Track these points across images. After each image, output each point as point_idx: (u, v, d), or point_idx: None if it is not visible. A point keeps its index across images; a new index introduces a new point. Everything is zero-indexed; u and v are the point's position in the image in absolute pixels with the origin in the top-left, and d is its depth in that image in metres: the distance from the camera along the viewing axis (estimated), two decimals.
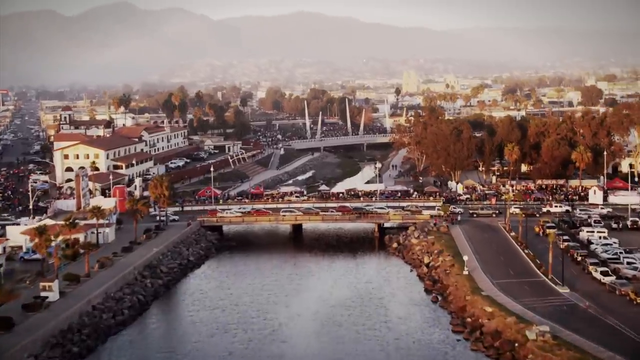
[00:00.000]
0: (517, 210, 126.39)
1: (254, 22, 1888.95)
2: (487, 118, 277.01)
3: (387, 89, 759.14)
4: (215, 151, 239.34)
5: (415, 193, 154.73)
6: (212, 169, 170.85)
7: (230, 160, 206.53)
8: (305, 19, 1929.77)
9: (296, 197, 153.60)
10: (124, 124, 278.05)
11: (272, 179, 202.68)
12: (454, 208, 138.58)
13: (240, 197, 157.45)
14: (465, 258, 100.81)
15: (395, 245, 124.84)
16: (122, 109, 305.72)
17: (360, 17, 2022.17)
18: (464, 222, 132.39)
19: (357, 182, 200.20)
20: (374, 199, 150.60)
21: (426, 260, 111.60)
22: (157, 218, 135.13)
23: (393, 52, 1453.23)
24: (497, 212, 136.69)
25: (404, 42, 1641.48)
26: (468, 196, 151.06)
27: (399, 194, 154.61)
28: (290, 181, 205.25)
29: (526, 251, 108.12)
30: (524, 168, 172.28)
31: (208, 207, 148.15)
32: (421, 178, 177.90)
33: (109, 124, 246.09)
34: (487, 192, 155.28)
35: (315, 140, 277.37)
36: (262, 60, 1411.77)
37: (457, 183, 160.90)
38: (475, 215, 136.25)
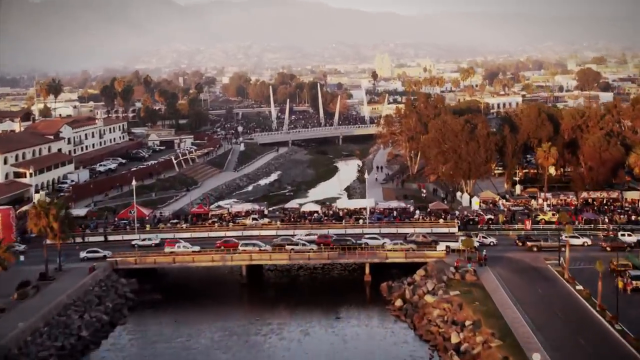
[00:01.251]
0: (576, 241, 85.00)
1: (222, 7, 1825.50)
2: (483, 105, 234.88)
3: (359, 73, 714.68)
4: (161, 148, 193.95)
5: (418, 212, 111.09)
6: (133, 180, 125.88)
7: (175, 162, 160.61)
8: (274, 3, 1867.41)
9: (254, 219, 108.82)
10: (59, 115, 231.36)
11: (227, 185, 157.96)
12: (482, 239, 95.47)
13: (176, 221, 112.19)
14: (535, 358, 57.46)
15: (399, 302, 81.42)
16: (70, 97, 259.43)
17: (329, 1, 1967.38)
18: (495, 260, 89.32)
19: (334, 187, 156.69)
20: (361, 220, 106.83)
21: (454, 339, 68.37)
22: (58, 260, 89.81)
23: (363, 37, 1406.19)
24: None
25: (374, 27, 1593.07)
26: (491, 217, 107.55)
27: (395, 213, 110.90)
28: (250, 187, 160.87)
29: (617, 326, 65.70)
30: (552, 172, 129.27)
31: (152, 233, 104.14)
32: (421, 188, 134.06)
33: (27, 115, 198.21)
34: (512, 207, 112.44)
35: (282, 132, 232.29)
36: (229, 46, 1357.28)
37: (471, 196, 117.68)
38: (535, 249, 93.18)
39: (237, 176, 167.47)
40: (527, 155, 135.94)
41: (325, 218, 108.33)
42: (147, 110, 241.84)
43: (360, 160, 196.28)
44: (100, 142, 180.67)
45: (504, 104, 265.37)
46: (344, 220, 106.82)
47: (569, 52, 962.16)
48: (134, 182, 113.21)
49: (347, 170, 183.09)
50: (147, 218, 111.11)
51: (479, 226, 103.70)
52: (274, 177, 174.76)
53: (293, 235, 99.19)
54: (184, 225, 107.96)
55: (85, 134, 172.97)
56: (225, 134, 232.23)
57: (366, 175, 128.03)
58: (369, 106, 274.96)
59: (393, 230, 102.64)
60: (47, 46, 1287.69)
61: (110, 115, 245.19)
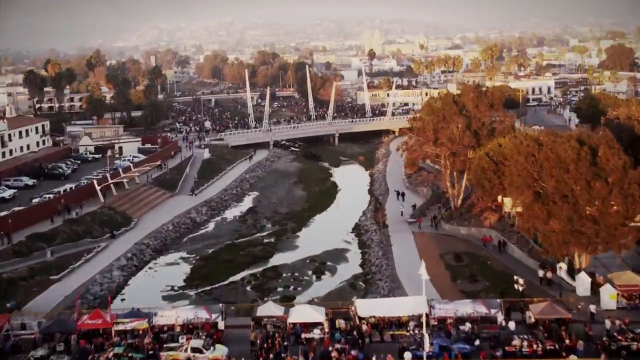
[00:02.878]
0: None
1: None
2: (512, 92, 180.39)
3: (345, 50, 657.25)
4: (96, 156, 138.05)
5: (513, 325, 55.84)
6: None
7: (98, 188, 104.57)
8: None
9: (194, 352, 52.95)
10: None
11: (177, 223, 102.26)
12: None
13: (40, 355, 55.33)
14: None
15: None
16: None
17: None
18: None
19: (336, 227, 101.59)
20: (408, 355, 52.00)
21: None
22: None
23: (347, 13, 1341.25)
24: None
25: (357, 3, 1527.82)
26: None
27: (469, 327, 56.23)
28: (211, 224, 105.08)
29: None
30: None
31: None
32: (487, 241, 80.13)
33: None
34: None
35: (261, 130, 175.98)
36: (211, 23, 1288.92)
37: (601, 283, 63.10)
38: None
39: (195, 205, 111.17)
40: None
41: (338, 347, 53.07)
42: (90, 100, 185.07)
43: (367, 171, 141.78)
44: (3, 153, 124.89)
45: (534, 90, 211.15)
46: (374, 356, 51.44)
47: (558, 28, 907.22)
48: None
49: (351, 188, 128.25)
50: None
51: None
52: (248, 202, 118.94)
53: None
54: None
55: None
56: (187, 131, 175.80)
57: (387, 213, 74.20)
58: (369, 92, 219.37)
59: None
60: (19, 23, 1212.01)
61: (41, 106, 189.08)
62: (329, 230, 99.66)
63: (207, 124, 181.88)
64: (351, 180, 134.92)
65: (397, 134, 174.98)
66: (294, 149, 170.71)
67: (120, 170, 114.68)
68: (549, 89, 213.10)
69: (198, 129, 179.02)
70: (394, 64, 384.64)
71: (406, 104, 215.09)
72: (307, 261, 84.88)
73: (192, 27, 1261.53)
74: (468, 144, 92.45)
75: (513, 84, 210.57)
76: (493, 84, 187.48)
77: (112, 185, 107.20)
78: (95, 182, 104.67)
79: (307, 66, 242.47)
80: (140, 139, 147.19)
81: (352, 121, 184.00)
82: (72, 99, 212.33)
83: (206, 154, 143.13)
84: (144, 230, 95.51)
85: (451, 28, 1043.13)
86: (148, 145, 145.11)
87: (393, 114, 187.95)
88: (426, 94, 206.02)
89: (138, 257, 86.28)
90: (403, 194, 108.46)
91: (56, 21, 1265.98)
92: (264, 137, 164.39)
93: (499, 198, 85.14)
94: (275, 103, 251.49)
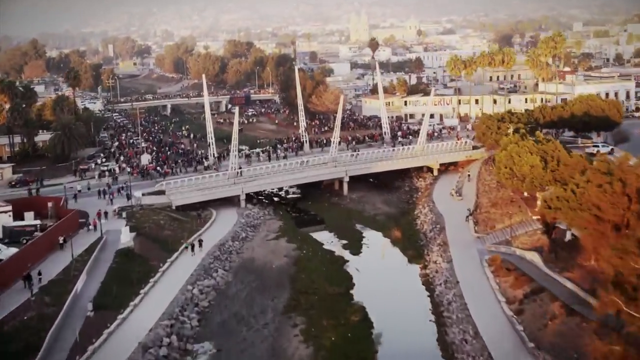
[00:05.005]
0: None
1: None
2: (597, 105, 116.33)
3: (326, 36, 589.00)
4: None
5: None
6: None
7: None
8: None
9: None
10: None
11: None
12: None
13: None
14: None
15: None
16: None
17: None
18: None
19: None
20: None
21: None
22: None
23: None
24: None
25: None
26: None
27: None
28: None
29: None
30: None
31: None
32: None
33: None
34: None
35: (223, 171, 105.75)
36: (184, 7, 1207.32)
37: None
38: None
39: None
40: None
41: None
42: None
43: (411, 263, 77.24)
44: None
45: (608, 95, 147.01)
46: None
47: (544, 10, 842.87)
48: None
49: (394, 318, 63.49)
50: None
51: None
52: None
53: None
54: None
55: None
56: (114, 173, 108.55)
57: None
58: (373, 99, 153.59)
59: None
60: None
61: None
62: None
63: (145, 159, 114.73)
64: (389, 291, 69.87)
65: (435, 172, 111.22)
66: (281, 201, 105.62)
67: None
68: (627, 93, 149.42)
69: (132, 166, 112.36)
70: (389, 53, 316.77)
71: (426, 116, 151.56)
72: None
73: (164, 12, 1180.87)
74: None
75: (580, 87, 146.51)
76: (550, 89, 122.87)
77: None
78: None
79: (292, 62, 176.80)
80: (10, 208, 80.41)
81: (367, 152, 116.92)
82: None
83: (125, 234, 77.15)
84: None
85: (432, 11, 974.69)
86: (26, 222, 79.47)
87: (431, 137, 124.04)
88: (476, 101, 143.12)
89: None
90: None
91: (21, 2, 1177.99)
92: (231, 189, 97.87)
93: None
94: (251, 110, 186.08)
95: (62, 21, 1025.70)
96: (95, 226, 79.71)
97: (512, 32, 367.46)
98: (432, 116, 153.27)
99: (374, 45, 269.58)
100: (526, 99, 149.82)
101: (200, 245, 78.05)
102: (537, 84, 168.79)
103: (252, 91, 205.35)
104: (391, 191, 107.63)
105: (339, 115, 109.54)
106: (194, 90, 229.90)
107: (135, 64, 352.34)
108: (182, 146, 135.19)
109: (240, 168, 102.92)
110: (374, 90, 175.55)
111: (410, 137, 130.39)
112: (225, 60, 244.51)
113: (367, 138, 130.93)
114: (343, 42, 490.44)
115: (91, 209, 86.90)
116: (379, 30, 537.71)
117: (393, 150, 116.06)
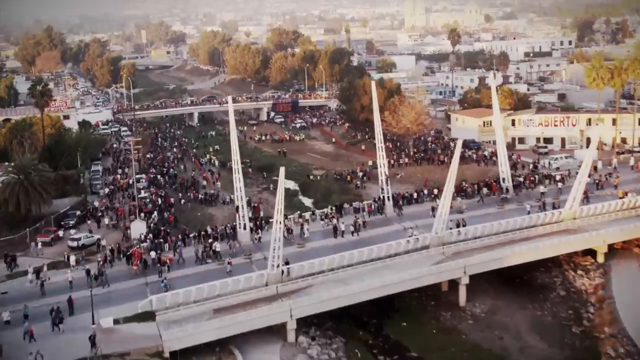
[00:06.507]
0: None
1: None
2: None
3: (377, 21, 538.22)
4: None
5: None
6: None
7: None
8: None
9: None
10: None
11: None
12: None
13: None
14: None
15: None
16: None
17: None
18: None
19: None
20: None
21: None
22: None
23: None
24: None
25: None
26: None
27: None
28: None
29: None
30: None
31: None
32: None
33: None
34: None
35: (265, 275, 57.18)
36: None
37: None
38: None
39: None
40: None
41: None
42: None
43: None
44: None
45: None
46: None
47: None
48: None
49: None
50: None
51: None
52: None
53: None
54: None
55: None
56: (80, 261, 65.01)
57: None
58: (468, 116, 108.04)
59: None
60: None
61: None
62: None
63: (137, 228, 70.99)
64: None
65: (601, 257, 66.53)
66: (356, 324, 59.83)
67: None
68: None
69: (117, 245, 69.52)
70: (447, 45, 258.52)
71: (546, 142, 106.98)
72: None
73: None
74: None
75: None
76: None
77: None
78: None
79: (349, 58, 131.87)
80: None
81: (490, 225, 68.49)
82: None
83: None
84: None
85: None
86: None
87: (598, 186, 78.70)
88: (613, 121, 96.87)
89: None
90: None
91: None
92: (270, 310, 53.05)
93: None
94: (299, 121, 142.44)
95: (103, 3, 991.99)
96: None
97: (592, 17, 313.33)
98: (546, 141, 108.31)
99: (453, 36, 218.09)
100: None
101: None
102: None
103: (299, 96, 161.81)
104: (535, 297, 62.66)
105: (454, 170, 63.38)
106: (231, 88, 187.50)
107: (168, 52, 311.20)
108: (205, 186, 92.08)
109: (287, 263, 58.34)
110: (463, 100, 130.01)
111: (541, 184, 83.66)
112: (267, 53, 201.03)
113: (480, 187, 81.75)
114: (396, 27, 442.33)
115: None
116: (435, 15, 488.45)
117: (528, 214, 70.74)
